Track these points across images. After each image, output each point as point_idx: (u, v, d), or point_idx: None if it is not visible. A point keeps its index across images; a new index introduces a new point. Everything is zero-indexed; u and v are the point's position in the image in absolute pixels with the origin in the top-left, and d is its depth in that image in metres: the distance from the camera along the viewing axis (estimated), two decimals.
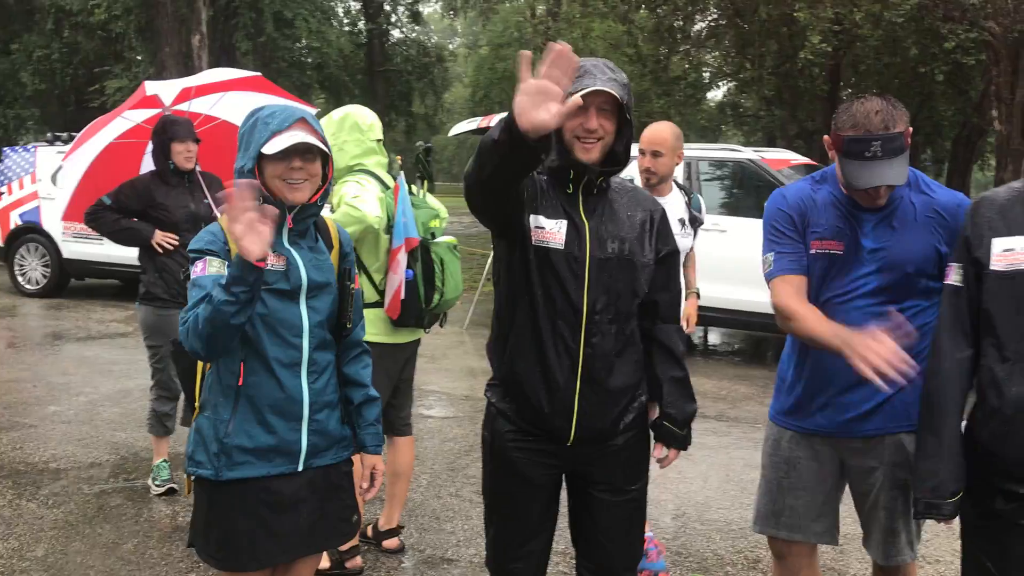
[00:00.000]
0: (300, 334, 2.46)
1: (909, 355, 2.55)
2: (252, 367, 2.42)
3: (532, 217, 2.51)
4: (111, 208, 4.72)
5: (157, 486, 4.85)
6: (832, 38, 14.43)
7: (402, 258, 3.65)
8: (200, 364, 2.54)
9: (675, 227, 3.94)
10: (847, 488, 2.88)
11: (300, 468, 2.49)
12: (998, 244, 2.26)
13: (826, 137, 2.65)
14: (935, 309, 2.57)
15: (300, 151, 2.40)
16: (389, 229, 3.73)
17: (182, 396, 4.93)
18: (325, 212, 3.49)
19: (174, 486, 4.86)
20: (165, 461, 4.92)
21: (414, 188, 3.95)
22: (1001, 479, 2.26)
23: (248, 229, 2.17)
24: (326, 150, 2.46)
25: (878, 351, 2.32)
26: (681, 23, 17.70)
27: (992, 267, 2.25)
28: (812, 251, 2.70)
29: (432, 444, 5.91)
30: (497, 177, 2.24)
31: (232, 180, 2.46)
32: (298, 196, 2.44)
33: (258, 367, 2.42)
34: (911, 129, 2.54)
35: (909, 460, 2.66)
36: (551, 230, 2.51)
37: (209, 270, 2.36)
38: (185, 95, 5.24)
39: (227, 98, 5.38)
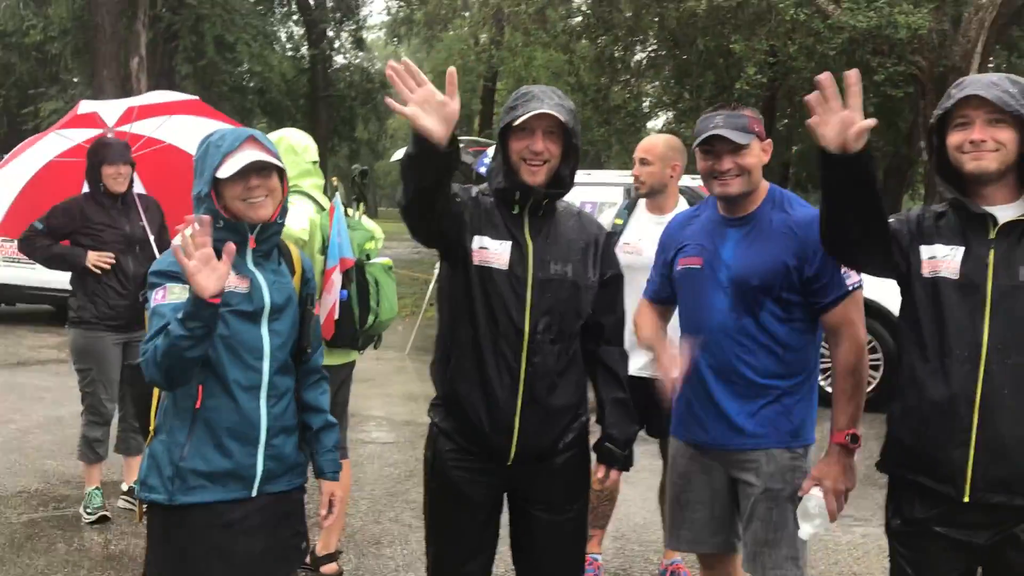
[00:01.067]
0: (261, 357, 2.44)
1: (778, 372, 2.70)
2: (211, 390, 2.40)
3: (476, 238, 2.56)
4: (44, 233, 4.64)
5: (89, 514, 4.73)
6: (767, 69, 14.81)
7: (336, 278, 3.65)
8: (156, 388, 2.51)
9: None
10: None
11: (254, 493, 2.46)
12: (925, 251, 2.36)
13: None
14: (797, 324, 2.70)
15: (256, 168, 2.40)
16: (324, 250, 3.74)
17: (114, 422, 4.87)
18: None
19: (106, 514, 4.76)
20: (98, 488, 4.81)
21: (350, 210, 3.96)
22: (917, 474, 2.35)
23: (202, 265, 2.16)
24: (280, 165, 2.47)
25: (667, 365, 2.71)
26: (621, 53, 17.98)
27: (921, 272, 2.36)
28: (678, 268, 2.86)
29: (372, 469, 5.87)
30: (421, 192, 2.31)
31: (174, 205, 2.47)
32: (262, 212, 2.43)
33: (217, 390, 2.40)
34: (763, 129, 2.72)
35: (782, 472, 2.72)
36: (495, 251, 2.55)
37: (169, 298, 2.34)
38: (127, 116, 5.18)
39: (171, 121, 5.32)
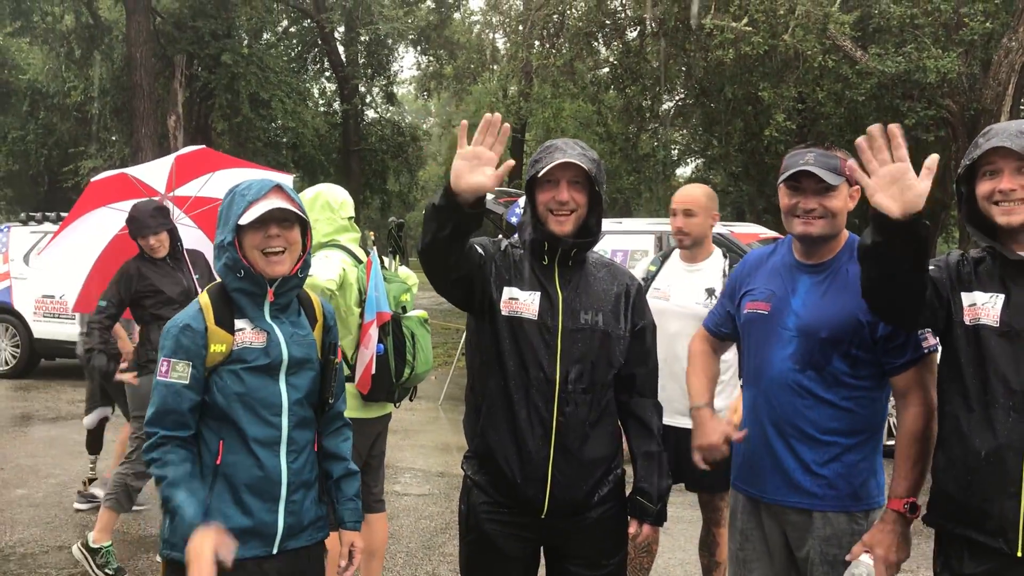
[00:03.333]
0: (279, 412, 2.43)
1: (841, 429, 2.57)
2: (231, 446, 2.39)
3: (506, 289, 2.58)
4: (107, 310, 4.75)
5: (108, 574, 4.70)
6: (796, 116, 14.86)
7: (373, 332, 3.66)
8: None
9: (699, 296, 3.88)
10: None
11: (275, 551, 2.44)
12: (966, 299, 2.32)
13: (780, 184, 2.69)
14: (864, 382, 2.57)
15: (276, 218, 2.40)
16: (361, 303, 3.76)
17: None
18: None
19: (121, 566, 4.75)
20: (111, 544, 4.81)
21: (386, 261, 3.99)
22: (965, 528, 2.29)
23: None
24: (303, 216, 2.47)
25: (705, 439, 2.75)
26: (649, 103, 18.13)
27: (963, 319, 2.31)
28: (745, 311, 2.76)
29: (408, 522, 5.84)
30: (438, 241, 2.34)
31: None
32: (278, 269, 2.43)
33: (236, 446, 2.39)
34: (855, 167, 2.55)
35: (839, 536, 2.59)
36: (524, 301, 2.56)
37: (172, 376, 2.37)
38: (171, 181, 5.31)
39: (216, 178, 5.45)
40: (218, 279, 2.52)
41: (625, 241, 8.66)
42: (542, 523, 2.60)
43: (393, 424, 4.17)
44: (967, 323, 2.31)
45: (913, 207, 2.12)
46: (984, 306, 2.28)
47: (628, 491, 2.74)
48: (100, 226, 5.20)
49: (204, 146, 5.83)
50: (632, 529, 2.70)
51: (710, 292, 3.91)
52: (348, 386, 3.72)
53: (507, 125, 2.27)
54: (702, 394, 2.92)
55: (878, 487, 2.66)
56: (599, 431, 2.61)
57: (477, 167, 2.23)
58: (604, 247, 7.96)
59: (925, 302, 2.33)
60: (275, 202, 2.40)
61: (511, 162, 2.28)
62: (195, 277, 4.94)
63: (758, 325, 2.71)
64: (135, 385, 4.76)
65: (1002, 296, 2.27)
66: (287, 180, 4.86)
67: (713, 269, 3.97)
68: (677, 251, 4.08)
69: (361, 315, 3.73)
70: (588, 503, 2.61)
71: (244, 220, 2.38)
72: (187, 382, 2.37)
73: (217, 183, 5.39)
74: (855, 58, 13.55)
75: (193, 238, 5.29)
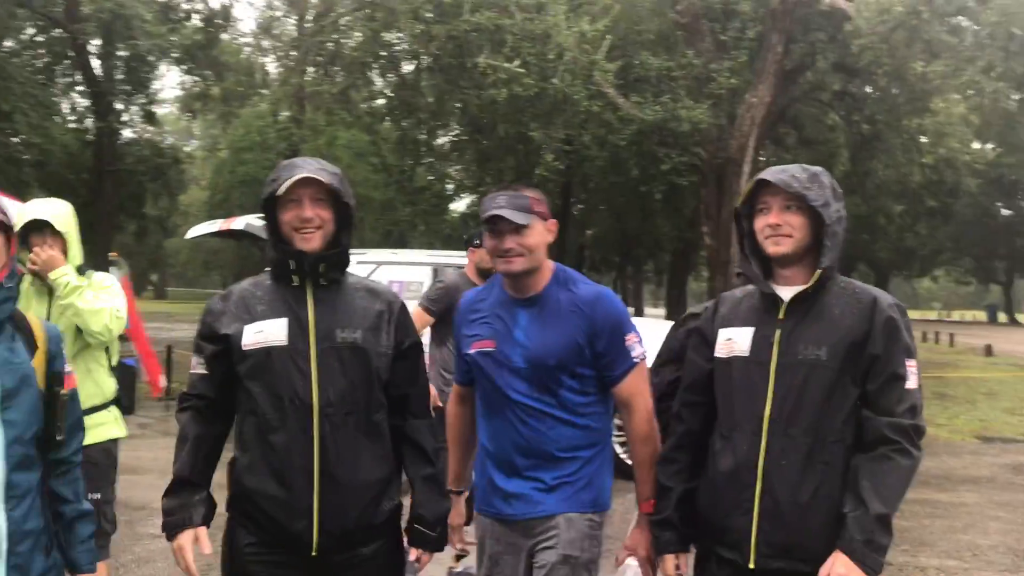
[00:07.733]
0: None
1: (580, 444, 2.74)
2: None
3: (246, 328, 2.48)
4: None
5: None
6: (564, 157, 15.53)
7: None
8: None
9: None
10: None
11: None
12: (723, 334, 2.53)
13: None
14: (592, 398, 2.76)
15: None
16: None
17: None
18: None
19: None
20: None
21: None
22: (712, 543, 2.51)
23: None
24: (7, 222, 2.19)
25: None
26: (425, 136, 18.34)
27: (716, 354, 2.53)
28: (472, 352, 2.84)
29: (164, 566, 5.42)
30: None
31: None
32: None
33: None
34: (546, 209, 2.77)
35: (581, 539, 2.72)
36: (269, 331, 2.47)
37: None
38: None
39: None
40: None
41: (402, 272, 8.70)
42: (314, 562, 2.47)
43: (149, 463, 3.86)
44: (723, 357, 2.51)
45: None
46: (738, 340, 2.48)
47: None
48: None
49: None
50: (412, 556, 2.65)
51: None
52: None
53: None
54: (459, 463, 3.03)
55: (609, 492, 2.84)
56: (367, 454, 2.52)
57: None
58: (381, 278, 7.90)
59: None
60: None
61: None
62: None
63: (486, 361, 2.80)
64: None
65: (752, 329, 2.47)
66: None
67: None
68: None
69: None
70: (360, 533, 2.51)
71: None
72: None
73: None
74: (617, 105, 14.40)
75: None
